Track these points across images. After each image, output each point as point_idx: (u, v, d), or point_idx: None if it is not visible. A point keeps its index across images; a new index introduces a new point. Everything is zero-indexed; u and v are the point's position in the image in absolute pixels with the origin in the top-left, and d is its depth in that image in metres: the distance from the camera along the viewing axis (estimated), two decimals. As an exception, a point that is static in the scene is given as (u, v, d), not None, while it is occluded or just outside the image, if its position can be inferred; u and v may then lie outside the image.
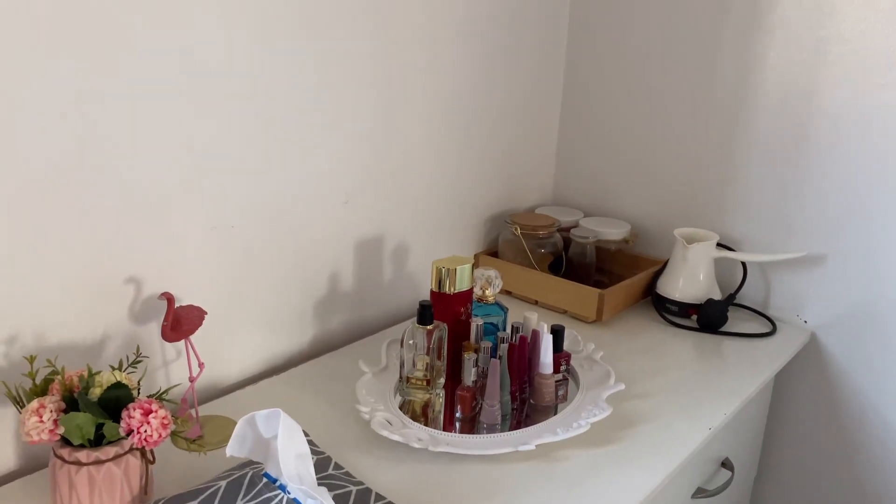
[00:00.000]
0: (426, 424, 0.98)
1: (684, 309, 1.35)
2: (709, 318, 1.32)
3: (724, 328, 1.33)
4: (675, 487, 1.06)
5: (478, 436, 0.97)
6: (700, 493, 1.15)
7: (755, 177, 1.38)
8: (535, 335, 1.05)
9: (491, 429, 0.99)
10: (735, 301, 1.39)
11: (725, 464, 1.23)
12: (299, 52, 1.06)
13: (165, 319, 0.91)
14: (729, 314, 1.34)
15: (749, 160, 1.38)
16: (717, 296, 1.36)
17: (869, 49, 1.22)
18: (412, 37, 1.23)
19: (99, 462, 0.77)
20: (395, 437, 0.93)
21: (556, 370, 1.06)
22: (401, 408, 1.01)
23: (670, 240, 1.42)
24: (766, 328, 1.34)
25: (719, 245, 1.38)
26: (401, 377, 1.03)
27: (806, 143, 1.31)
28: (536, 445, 0.93)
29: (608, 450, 0.97)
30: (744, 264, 1.40)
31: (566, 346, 1.12)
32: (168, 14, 0.90)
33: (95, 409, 0.77)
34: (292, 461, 0.74)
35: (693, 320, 1.35)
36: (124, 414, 0.77)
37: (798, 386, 1.41)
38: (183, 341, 0.98)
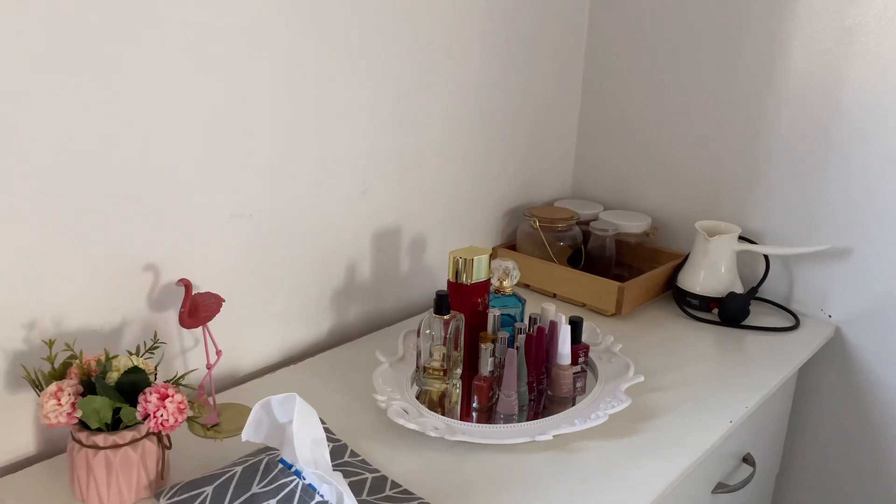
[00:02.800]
0: (443, 414, 0.97)
1: (705, 302, 1.33)
2: (730, 311, 1.30)
3: (746, 322, 1.31)
4: (694, 482, 1.05)
5: (494, 425, 0.96)
6: (721, 488, 1.13)
7: (778, 168, 1.36)
8: (553, 326, 1.04)
9: (508, 419, 0.98)
10: (757, 295, 1.37)
11: (747, 459, 1.21)
12: (320, 42, 1.06)
13: (183, 306, 0.91)
14: (751, 308, 1.32)
15: (771, 151, 1.36)
16: (739, 289, 1.34)
17: (895, 38, 1.19)
18: (432, 29, 1.22)
19: (116, 446, 0.77)
20: (412, 426, 0.92)
21: (575, 362, 1.05)
22: (417, 397, 1.00)
23: (691, 233, 1.40)
24: (789, 322, 1.32)
25: (741, 238, 1.36)
26: (417, 367, 1.03)
27: (830, 134, 1.29)
28: (553, 436, 0.92)
29: (626, 442, 0.95)
30: (766, 257, 1.38)
31: (585, 338, 1.11)
32: (189, 3, 0.90)
33: (112, 393, 0.77)
34: (307, 446, 0.74)
35: (714, 314, 1.33)
36: (141, 398, 0.77)
37: (822, 381, 1.38)
38: (200, 328, 0.98)
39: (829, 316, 1.35)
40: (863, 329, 1.32)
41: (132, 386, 0.79)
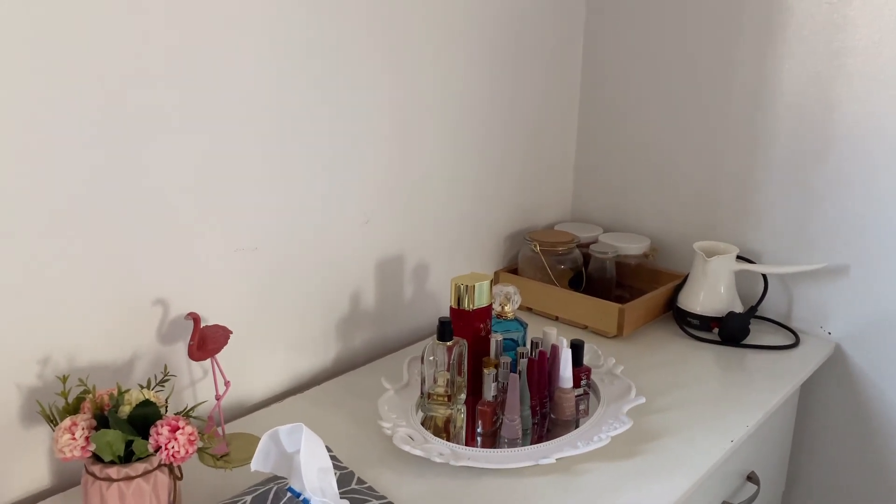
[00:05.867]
0: (448, 440, 0.99)
1: (706, 322, 1.35)
2: (731, 330, 1.31)
3: (747, 341, 1.32)
4: (698, 501, 1.06)
5: (498, 450, 0.98)
6: (725, 507, 1.15)
7: (774, 188, 1.38)
8: (555, 350, 1.06)
9: (512, 443, 0.99)
10: (757, 313, 1.39)
11: (751, 477, 1.22)
12: (318, 77, 1.09)
13: (192, 339, 0.93)
14: (751, 327, 1.33)
15: (767, 172, 1.38)
16: (739, 308, 1.36)
17: (884, 59, 1.22)
18: (427, 59, 1.25)
19: (129, 478, 0.79)
20: (417, 452, 0.94)
21: (577, 385, 1.06)
22: (422, 423, 1.02)
23: (690, 253, 1.42)
24: (789, 340, 1.34)
25: (739, 258, 1.38)
26: (422, 393, 1.04)
27: (824, 154, 1.31)
28: (557, 459, 0.94)
29: (629, 463, 0.97)
30: (764, 276, 1.39)
31: (586, 360, 1.12)
32: (190, 39, 0.93)
33: (125, 427, 0.79)
34: (315, 475, 0.76)
35: (715, 333, 1.34)
36: (152, 431, 0.79)
37: (824, 398, 1.39)
38: (209, 360, 1.00)
39: (829, 333, 1.36)
40: (863, 345, 1.33)
41: (144, 419, 0.81)
